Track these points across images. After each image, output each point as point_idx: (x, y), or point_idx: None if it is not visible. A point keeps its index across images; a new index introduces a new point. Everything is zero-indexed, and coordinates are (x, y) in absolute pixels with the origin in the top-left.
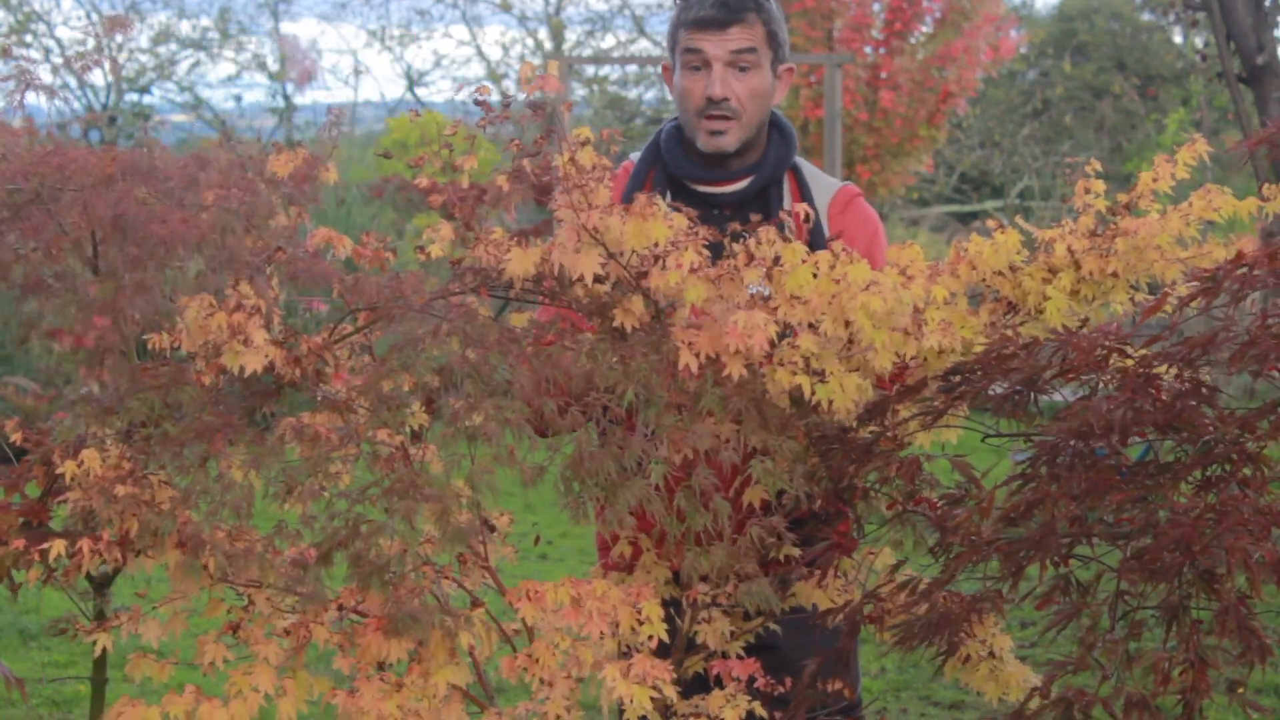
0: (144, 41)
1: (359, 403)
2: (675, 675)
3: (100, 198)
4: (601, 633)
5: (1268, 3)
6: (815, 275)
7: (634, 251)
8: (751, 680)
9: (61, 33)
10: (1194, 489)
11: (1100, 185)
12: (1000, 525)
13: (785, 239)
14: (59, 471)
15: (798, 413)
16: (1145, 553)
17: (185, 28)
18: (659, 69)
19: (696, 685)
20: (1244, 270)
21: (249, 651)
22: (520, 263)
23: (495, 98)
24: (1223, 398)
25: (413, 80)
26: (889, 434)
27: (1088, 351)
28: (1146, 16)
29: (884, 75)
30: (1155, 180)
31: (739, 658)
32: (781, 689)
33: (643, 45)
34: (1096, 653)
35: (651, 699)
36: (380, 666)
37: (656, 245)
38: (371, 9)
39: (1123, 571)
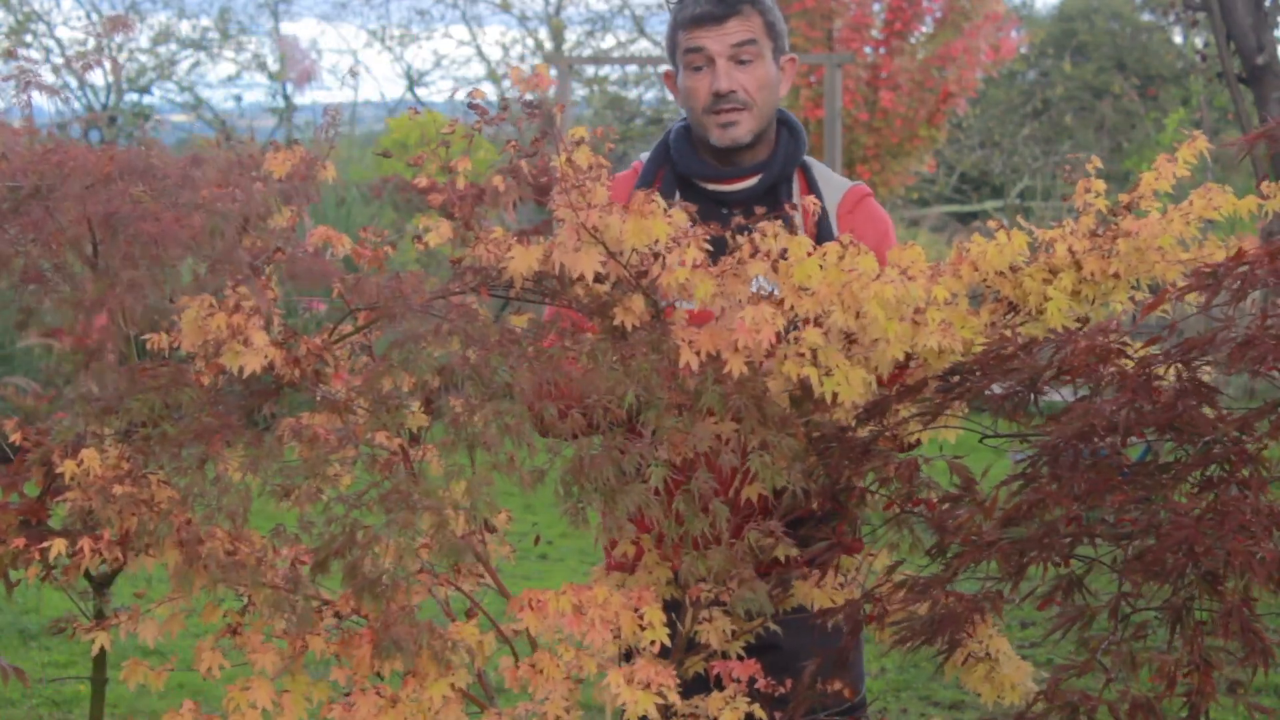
0: (144, 41)
1: (358, 403)
2: (677, 677)
3: (95, 195)
4: (604, 639)
5: (1268, 3)
6: (822, 267)
7: (634, 250)
8: (752, 681)
9: (61, 33)
10: (1194, 489)
11: (1100, 184)
12: (1001, 525)
13: (791, 231)
14: (58, 471)
15: (797, 411)
16: (1147, 554)
17: (185, 28)
18: (659, 69)
19: (697, 685)
20: (1244, 269)
21: (246, 659)
22: (523, 260)
23: (492, 99)
24: (1222, 398)
25: (413, 80)
26: (888, 434)
27: (1086, 352)
28: (1146, 16)
29: (884, 75)
30: (1157, 179)
31: (739, 658)
32: (782, 690)
33: (643, 45)
34: (1100, 655)
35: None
36: (378, 676)
37: (657, 243)
38: (371, 9)
39: (1125, 572)
